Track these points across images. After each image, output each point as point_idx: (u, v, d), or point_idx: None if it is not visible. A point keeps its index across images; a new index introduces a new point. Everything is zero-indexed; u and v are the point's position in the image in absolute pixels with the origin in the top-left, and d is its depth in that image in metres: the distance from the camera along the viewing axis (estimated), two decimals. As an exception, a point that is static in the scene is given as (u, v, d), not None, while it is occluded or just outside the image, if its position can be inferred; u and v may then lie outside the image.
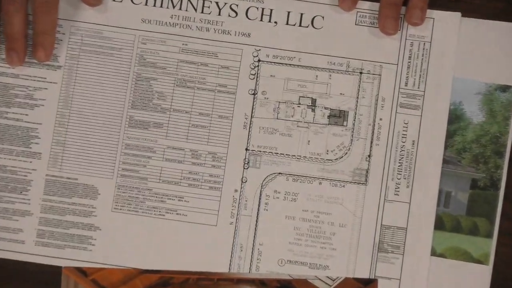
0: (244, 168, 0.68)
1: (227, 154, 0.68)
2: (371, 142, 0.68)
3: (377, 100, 0.68)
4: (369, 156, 0.68)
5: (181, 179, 0.68)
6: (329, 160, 0.68)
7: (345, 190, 0.67)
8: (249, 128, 0.68)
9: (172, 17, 0.68)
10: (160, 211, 0.66)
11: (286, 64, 0.67)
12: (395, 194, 0.67)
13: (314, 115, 0.67)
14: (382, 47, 0.67)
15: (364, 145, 0.68)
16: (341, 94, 0.67)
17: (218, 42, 0.67)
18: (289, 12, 0.65)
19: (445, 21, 0.66)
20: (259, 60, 0.69)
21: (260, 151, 0.68)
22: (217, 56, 0.69)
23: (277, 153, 0.68)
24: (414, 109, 0.68)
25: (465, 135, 0.65)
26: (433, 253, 0.65)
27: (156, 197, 0.67)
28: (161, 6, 0.67)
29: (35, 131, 0.66)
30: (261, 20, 0.68)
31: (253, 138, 0.68)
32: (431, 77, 0.67)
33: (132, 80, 0.68)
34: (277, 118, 0.69)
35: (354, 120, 0.68)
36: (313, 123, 0.68)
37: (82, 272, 0.64)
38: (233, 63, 0.68)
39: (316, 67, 0.67)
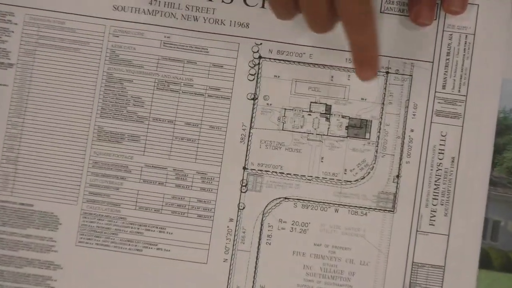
0: (241, 191, 0.54)
1: (220, 174, 0.54)
2: (400, 159, 0.54)
3: (407, 107, 0.54)
4: (397, 176, 0.54)
5: (162, 205, 0.54)
6: (348, 181, 0.55)
7: (367, 219, 0.54)
8: (248, 141, 0.55)
9: (151, 3, 0.54)
10: (136, 246, 0.53)
11: (293, 61, 0.54)
12: (430, 224, 0.54)
13: (329, 125, 0.55)
14: (413, 41, 0.55)
15: (391, 163, 0.54)
16: (362, 99, 0.54)
17: (208, 34, 0.55)
18: (298, -3, 0.51)
19: (493, 8, 0.54)
20: (260, 57, 0.55)
21: (262, 171, 0.54)
22: (208, 52, 0.55)
23: (283, 173, 0.54)
24: (454, 117, 0.54)
25: (517, 150, 0.54)
26: (478, 298, 0.54)
27: (132, 227, 0.54)
28: (138, -11, 0.53)
29: (-21, 146, 0.52)
30: (263, 7, 0.55)
31: (253, 154, 0.54)
32: (475, 78, 0.54)
33: (101, 82, 0.55)
34: (283, 129, 0.55)
35: (379, 132, 0.54)
36: (327, 135, 0.54)
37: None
38: (227, 60, 0.55)
39: (331, 66, 0.54)
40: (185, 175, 0.56)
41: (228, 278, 0.55)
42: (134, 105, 0.56)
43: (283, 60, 0.56)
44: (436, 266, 0.55)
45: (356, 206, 0.55)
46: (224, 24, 0.56)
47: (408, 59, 0.55)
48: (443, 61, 0.55)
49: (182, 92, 0.56)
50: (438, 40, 0.55)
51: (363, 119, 0.56)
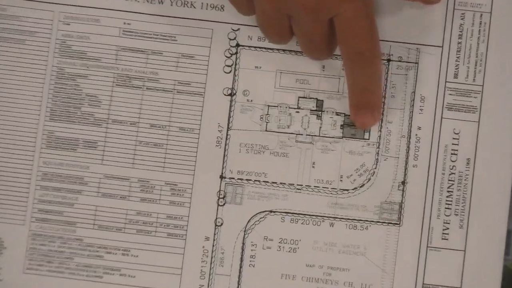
0: (218, 204, 0.46)
1: (193, 184, 0.46)
2: (406, 163, 0.46)
3: (413, 100, 0.46)
4: (403, 183, 0.46)
5: (125, 223, 0.46)
6: (345, 190, 0.46)
7: (368, 234, 0.46)
8: (225, 145, 0.46)
9: (108, -16, 0.46)
10: (95, 271, 0.47)
11: (277, 50, 0.46)
12: (443, 239, 0.45)
13: (321, 124, 0.47)
14: (419, 23, 0.47)
15: (395, 167, 0.46)
16: None
17: (176, 19, 0.47)
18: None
19: (512, -19, 0.45)
20: (237, 45, 0.46)
21: (242, 180, 0.46)
22: (176, 40, 0.47)
23: (267, 182, 0.46)
24: (469, 112, 0.46)
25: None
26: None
27: (90, 250, 0.46)
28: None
29: None
30: (240, -15, 0.46)
31: (231, 161, 0.46)
32: (493, 65, 0.46)
33: (50, 78, 0.46)
34: (266, 130, 0.46)
35: (380, 131, 0.46)
36: (319, 136, 0.46)
37: None
38: (199, 50, 0.46)
39: (322, 53, 0.45)
40: (151, 187, 0.47)
41: (205, 307, 0.47)
42: (90, 105, 0.47)
43: (265, 48, 0.47)
44: (451, 287, 0.46)
45: (355, 219, 0.47)
46: (194, 7, 0.47)
47: (413, 43, 0.47)
48: (454, 45, 0.47)
49: (146, 88, 0.47)
50: (448, 20, 0.47)
51: (361, 116, 0.47)
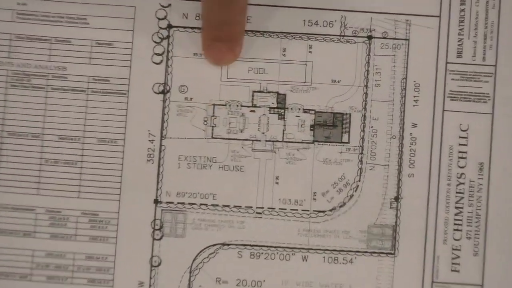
0: (154, 238, 0.35)
1: (119, 213, 0.35)
2: (399, 172, 0.35)
3: (404, 89, 0.35)
4: (396, 199, 0.35)
5: (32, 268, 0.35)
6: (320, 212, 0.35)
7: (354, 268, 0.35)
8: (159, 159, 0.35)
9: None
10: None
11: None
12: (453, 271, 0.35)
13: (285, 125, 0.36)
14: None
15: (385, 179, 0.35)
16: (333, 81, 0.35)
17: None
18: None
19: None
20: (169, 26, 0.35)
21: (184, 204, 0.35)
22: (87, 23, 0.35)
23: (217, 206, 0.35)
24: (479, 101, 0.35)
25: None
26: None
27: None
28: None
29: None
30: None
31: (168, 179, 0.35)
32: (508, 38, 0.34)
33: None
34: (213, 137, 0.35)
35: (363, 131, 0.35)
36: (283, 141, 0.35)
37: None
38: (119, 34, 0.35)
39: (282, 32, 0.33)
40: (64, 219, 0.36)
41: None
42: (-23, 113, 0.36)
43: (206, 29, 0.35)
44: (466, 335, 0.35)
45: (335, 250, 0.35)
46: (111, -21, 0.36)
47: (401, 14, 0.36)
48: (455, 13, 0.36)
49: (52, 88, 0.36)
50: (446, -19, 0.35)
51: (337, 113, 0.36)
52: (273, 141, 0.36)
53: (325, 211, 0.36)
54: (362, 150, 0.36)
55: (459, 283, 0.35)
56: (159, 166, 0.36)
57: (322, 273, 0.35)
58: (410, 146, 0.36)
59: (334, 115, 0.36)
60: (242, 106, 0.36)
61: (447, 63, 0.36)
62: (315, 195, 0.36)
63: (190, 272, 0.35)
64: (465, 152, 0.36)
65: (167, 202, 0.36)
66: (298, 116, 0.36)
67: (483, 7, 0.36)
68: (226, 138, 0.36)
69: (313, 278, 0.35)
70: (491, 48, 0.36)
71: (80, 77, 0.36)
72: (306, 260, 0.35)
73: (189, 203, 0.36)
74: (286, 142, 0.36)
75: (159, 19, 0.36)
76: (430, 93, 0.36)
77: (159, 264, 0.36)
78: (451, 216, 0.36)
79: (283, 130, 0.36)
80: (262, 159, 0.36)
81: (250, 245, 0.36)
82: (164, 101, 0.36)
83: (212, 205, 0.36)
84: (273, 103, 0.36)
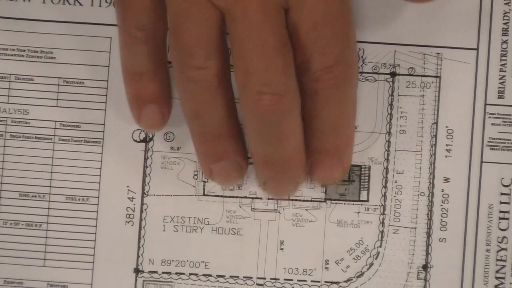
0: (134, 316, 0.29)
1: (93, 285, 0.30)
2: (428, 235, 0.29)
3: (434, 136, 0.29)
4: (425, 268, 0.29)
5: None
6: (334, 283, 0.30)
7: None
8: (140, 221, 0.29)
9: None
10: None
11: None
12: None
13: None
14: (440, 13, 0.30)
15: (411, 243, 0.29)
16: None
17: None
18: None
19: None
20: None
21: (170, 274, 0.30)
22: (53, 57, 0.30)
23: (210, 276, 0.30)
24: (524, 152, 0.29)
25: None
26: None
27: None
28: None
29: None
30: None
31: (151, 245, 0.30)
32: (560, 75, 0.29)
33: None
34: (204, 195, 0.29)
35: (385, 187, 0.29)
36: (289, 199, 0.29)
37: None
38: (92, 71, 0.30)
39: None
40: (27, 292, 0.30)
41: None
42: None
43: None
44: None
45: (352, 330, 0.29)
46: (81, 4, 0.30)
47: (431, 46, 0.29)
48: (496, 45, 0.30)
49: (11, 136, 0.30)
50: (485, 9, 0.29)
51: (354, 166, 0.30)
52: (276, 199, 0.30)
53: (339, 283, 0.30)
54: (384, 210, 0.30)
55: None
56: (140, 229, 0.30)
57: None
58: (441, 205, 0.30)
59: (350, 168, 0.30)
60: (239, 157, 0.30)
61: (486, 104, 0.30)
62: (327, 264, 0.30)
63: None
64: (508, 212, 0.30)
65: (150, 272, 0.30)
66: (307, 169, 0.30)
67: (530, 37, 0.30)
68: (221, 196, 0.30)
69: None
70: (539, 87, 0.30)
71: (45, 122, 0.30)
72: None
73: (177, 273, 0.30)
74: (292, 200, 0.30)
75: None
76: (466, 141, 0.30)
77: None
78: (491, 288, 0.30)
79: (289, 186, 0.30)
80: (264, 221, 0.30)
81: (249, 325, 0.30)
82: (146, 151, 0.30)
83: (204, 275, 0.30)
84: (277, 154, 0.30)
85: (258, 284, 0.30)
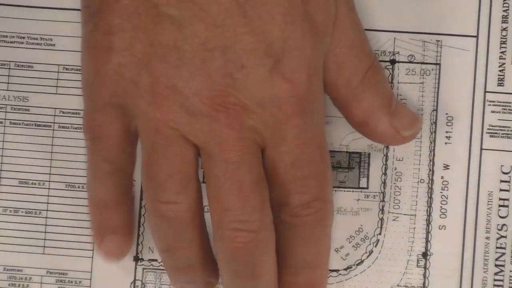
0: (134, 303, 0.29)
1: (92, 273, 0.31)
2: (428, 223, 0.30)
3: (434, 123, 0.29)
4: (424, 255, 0.29)
5: None
6: (333, 271, 0.31)
7: None
8: (140, 208, 0.30)
9: None
10: None
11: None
12: None
13: None
14: (437, 0, 0.30)
15: (411, 230, 0.29)
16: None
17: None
18: None
19: None
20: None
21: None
22: (53, 45, 0.31)
23: None
24: (525, 140, 0.29)
25: None
26: None
27: None
28: None
29: None
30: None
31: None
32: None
33: None
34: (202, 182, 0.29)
35: (385, 175, 0.30)
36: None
37: None
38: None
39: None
40: (26, 279, 0.30)
41: None
42: None
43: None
44: None
45: (351, 319, 0.29)
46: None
47: (431, 33, 0.30)
48: (496, 32, 0.30)
49: (10, 123, 0.30)
50: (486, -6, 0.30)
51: (353, 153, 0.30)
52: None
53: (338, 270, 0.30)
54: (384, 197, 0.30)
55: None
56: (139, 217, 0.30)
57: None
58: (441, 192, 0.30)
59: (349, 155, 0.30)
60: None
61: (485, 92, 0.30)
62: (326, 251, 0.30)
63: None
64: (507, 199, 0.30)
65: (150, 260, 0.30)
66: (307, 156, 0.30)
67: (529, 25, 0.30)
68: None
69: None
70: (540, 75, 0.30)
71: (45, 109, 0.30)
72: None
73: (176, 261, 0.30)
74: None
75: (139, 39, 0.30)
76: (466, 129, 0.30)
77: (141, 337, 0.30)
78: (490, 276, 0.30)
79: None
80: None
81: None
82: (145, 138, 0.30)
83: (204, 262, 0.30)
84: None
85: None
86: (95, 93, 0.26)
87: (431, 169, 0.30)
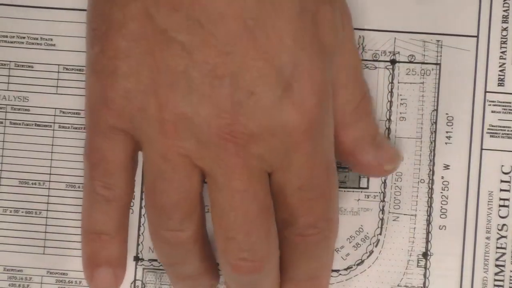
0: (134, 304, 0.29)
1: None
2: (428, 223, 0.30)
3: (434, 123, 0.29)
4: (425, 255, 0.29)
5: None
6: (333, 271, 0.30)
7: None
8: (140, 208, 0.29)
9: None
10: None
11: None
12: None
13: None
14: (438, 0, 0.29)
15: (411, 231, 0.30)
16: None
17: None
18: None
19: None
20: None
21: None
22: (53, 45, 0.31)
23: None
24: (525, 140, 0.29)
25: None
26: None
27: None
28: None
29: None
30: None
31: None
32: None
33: None
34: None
35: (385, 175, 0.29)
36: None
37: None
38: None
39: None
40: (26, 279, 0.29)
41: None
42: None
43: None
44: None
45: (353, 320, 0.29)
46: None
47: (431, 33, 0.29)
48: (496, 32, 0.30)
49: (10, 123, 0.30)
50: (486, -6, 0.30)
51: (353, 153, 0.29)
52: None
53: (339, 270, 0.30)
54: (384, 197, 0.30)
55: None
56: (140, 217, 0.30)
57: None
58: (441, 192, 0.30)
59: (350, 155, 0.30)
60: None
61: (486, 92, 0.30)
62: (326, 251, 0.30)
63: None
64: (508, 199, 0.30)
65: (150, 260, 0.30)
66: (307, 156, 0.30)
67: (530, 24, 0.30)
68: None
69: None
70: (541, 75, 0.30)
71: (45, 109, 0.30)
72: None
73: (176, 261, 0.30)
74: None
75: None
76: (466, 129, 0.30)
77: (141, 337, 0.30)
78: (491, 276, 0.30)
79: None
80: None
81: (249, 311, 0.30)
82: (145, 138, 0.30)
83: (204, 263, 0.30)
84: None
85: (258, 272, 0.30)
86: (100, 117, 0.26)
87: (431, 169, 0.30)
